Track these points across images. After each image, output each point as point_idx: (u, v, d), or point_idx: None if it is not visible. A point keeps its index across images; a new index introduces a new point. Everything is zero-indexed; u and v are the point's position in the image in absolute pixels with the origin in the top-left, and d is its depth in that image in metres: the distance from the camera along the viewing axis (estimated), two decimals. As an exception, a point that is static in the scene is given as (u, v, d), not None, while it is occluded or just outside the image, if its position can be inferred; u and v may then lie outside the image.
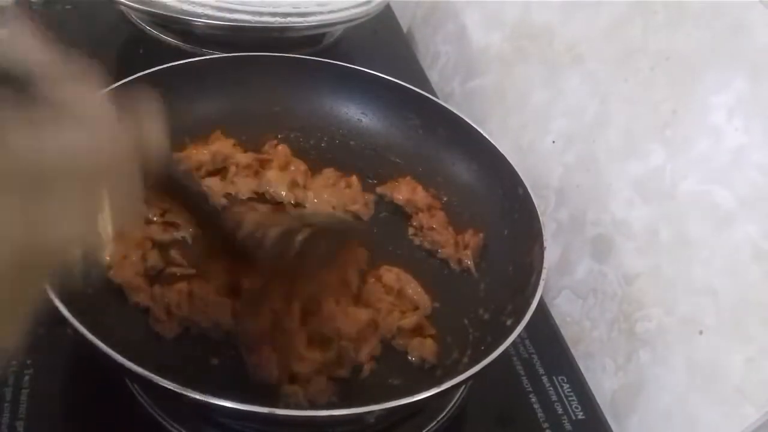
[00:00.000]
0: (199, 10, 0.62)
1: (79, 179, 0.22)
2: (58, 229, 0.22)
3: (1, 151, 0.20)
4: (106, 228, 0.24)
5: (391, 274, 0.48)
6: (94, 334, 0.35)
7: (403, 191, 0.55)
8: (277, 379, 0.41)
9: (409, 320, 0.46)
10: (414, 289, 0.48)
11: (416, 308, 0.47)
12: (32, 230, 0.21)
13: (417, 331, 0.46)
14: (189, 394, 0.33)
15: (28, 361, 0.43)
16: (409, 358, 0.45)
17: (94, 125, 0.23)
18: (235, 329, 0.43)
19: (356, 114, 0.60)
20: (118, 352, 0.34)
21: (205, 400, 0.34)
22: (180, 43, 0.68)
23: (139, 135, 0.25)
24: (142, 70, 0.52)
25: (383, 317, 0.46)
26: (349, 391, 0.42)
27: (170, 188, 0.35)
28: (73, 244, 0.23)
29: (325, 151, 0.58)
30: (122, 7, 0.68)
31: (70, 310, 0.35)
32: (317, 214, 0.52)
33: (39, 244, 0.21)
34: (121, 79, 0.50)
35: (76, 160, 0.22)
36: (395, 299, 0.47)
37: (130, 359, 0.34)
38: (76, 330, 0.35)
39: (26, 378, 0.42)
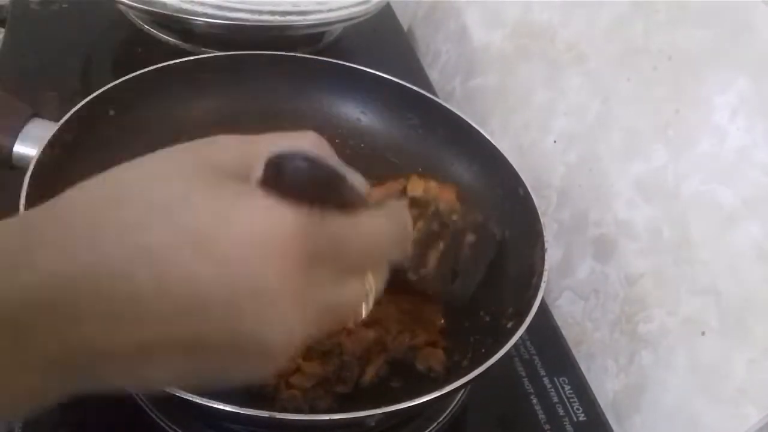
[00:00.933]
0: (198, 8, 0.61)
1: (374, 260, 0.27)
2: (352, 297, 0.26)
3: (326, 232, 0.24)
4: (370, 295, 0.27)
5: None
6: None
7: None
8: (275, 386, 0.40)
9: (421, 339, 0.45)
10: (429, 308, 0.46)
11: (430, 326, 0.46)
12: (337, 294, 0.25)
13: (428, 344, 0.45)
14: (189, 397, 0.33)
15: None
16: (417, 367, 0.44)
17: (389, 213, 0.27)
18: None
19: (355, 113, 0.59)
20: None
21: (206, 403, 0.33)
22: (179, 42, 0.68)
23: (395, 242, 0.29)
24: (141, 70, 0.51)
25: (393, 338, 0.44)
26: (349, 394, 0.42)
27: None
28: (356, 311, 0.27)
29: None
30: (121, 6, 0.68)
31: None
32: None
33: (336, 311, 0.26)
34: (119, 78, 0.50)
35: (380, 244, 0.27)
36: (409, 320, 0.46)
37: None
38: None
39: None
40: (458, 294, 0.46)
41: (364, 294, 0.27)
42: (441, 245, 0.44)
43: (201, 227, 0.22)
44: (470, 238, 0.45)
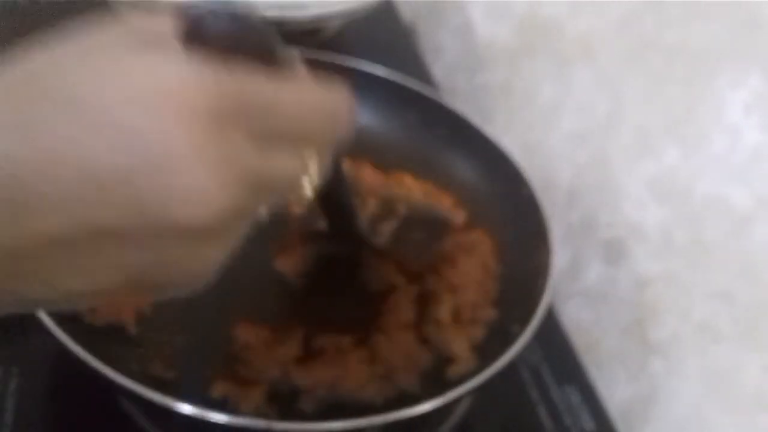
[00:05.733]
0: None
1: (306, 132, 0.25)
2: (286, 168, 0.24)
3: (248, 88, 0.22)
4: (312, 177, 0.26)
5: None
6: (81, 346, 0.34)
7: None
8: None
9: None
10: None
11: None
12: (262, 164, 0.22)
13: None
14: (181, 407, 0.33)
15: (14, 369, 0.42)
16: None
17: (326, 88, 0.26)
18: None
19: (353, 112, 0.58)
20: (104, 364, 0.33)
21: (199, 413, 0.33)
22: (175, 37, 0.67)
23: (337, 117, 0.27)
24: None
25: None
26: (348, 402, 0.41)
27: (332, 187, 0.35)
28: (293, 185, 0.25)
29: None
30: (114, 4, 0.67)
31: (53, 320, 0.35)
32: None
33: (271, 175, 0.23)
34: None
35: (311, 113, 0.24)
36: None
37: (117, 370, 0.33)
38: (62, 343, 0.34)
39: (12, 385, 0.42)
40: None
41: (300, 167, 0.24)
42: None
43: (82, 93, 0.20)
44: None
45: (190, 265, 0.22)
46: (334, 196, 0.38)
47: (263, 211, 0.24)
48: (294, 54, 0.25)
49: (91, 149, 0.19)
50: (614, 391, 0.52)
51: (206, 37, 0.22)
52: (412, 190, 0.53)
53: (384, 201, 0.51)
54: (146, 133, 0.19)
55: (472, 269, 0.48)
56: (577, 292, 0.57)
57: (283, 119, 0.23)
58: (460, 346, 0.43)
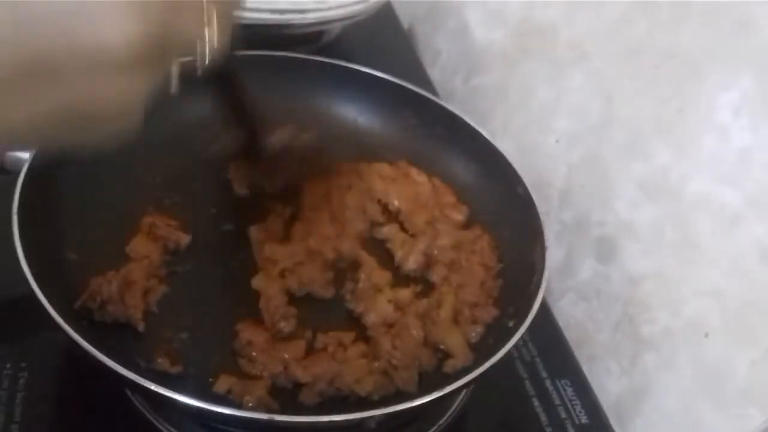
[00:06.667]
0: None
1: None
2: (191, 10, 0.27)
3: None
4: (211, 38, 0.29)
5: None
6: (89, 342, 0.34)
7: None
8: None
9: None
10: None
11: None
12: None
13: None
14: (186, 401, 0.33)
15: (23, 364, 0.43)
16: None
17: None
18: None
19: (352, 113, 0.59)
20: (113, 359, 0.33)
21: (204, 407, 0.33)
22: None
23: None
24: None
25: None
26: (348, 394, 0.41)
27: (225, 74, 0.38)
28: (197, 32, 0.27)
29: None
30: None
31: (63, 317, 0.35)
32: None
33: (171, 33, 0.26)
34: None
35: None
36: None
37: (125, 366, 0.33)
38: (71, 339, 0.34)
39: (21, 381, 0.42)
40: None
41: (203, 15, 0.27)
42: None
43: None
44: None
45: (115, 95, 0.24)
46: (228, 82, 0.41)
47: (175, 63, 0.27)
48: None
49: None
50: (607, 385, 0.52)
51: None
52: (418, 182, 0.54)
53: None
54: None
55: (474, 268, 0.48)
56: (570, 288, 0.58)
57: None
58: (456, 342, 0.44)
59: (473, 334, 0.45)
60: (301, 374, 0.40)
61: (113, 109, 0.24)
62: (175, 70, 0.28)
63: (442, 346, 0.44)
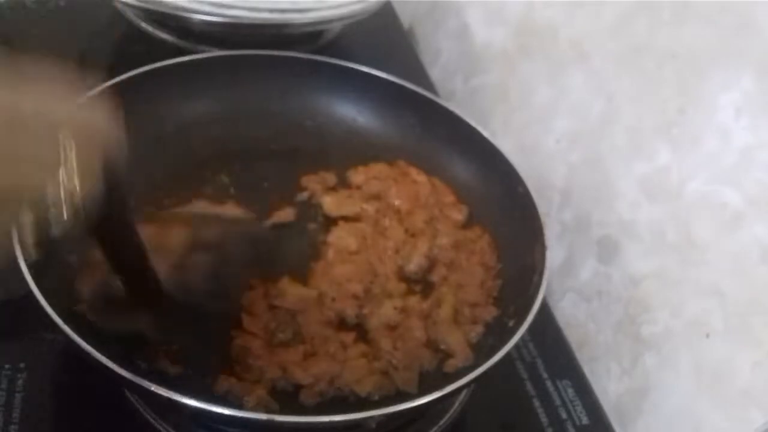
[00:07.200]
0: (196, 6, 0.61)
1: (49, 127, 0.24)
2: (27, 166, 0.23)
3: None
4: (69, 182, 0.24)
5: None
6: (87, 341, 0.34)
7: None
8: None
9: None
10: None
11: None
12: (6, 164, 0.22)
13: None
14: (186, 401, 0.33)
15: (22, 365, 0.43)
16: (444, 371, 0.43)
17: (68, 93, 0.25)
18: None
19: (351, 113, 0.59)
20: (112, 360, 0.33)
21: (204, 407, 0.33)
22: (176, 40, 0.67)
23: (102, 125, 0.26)
24: (137, 68, 0.51)
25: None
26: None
27: (108, 216, 0.30)
28: (39, 184, 0.23)
29: (318, 150, 0.57)
30: (118, 4, 0.67)
31: (62, 318, 0.35)
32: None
33: (12, 176, 0.22)
34: (116, 77, 0.49)
35: (50, 112, 0.23)
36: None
37: (124, 366, 0.33)
38: (70, 339, 0.34)
39: (20, 381, 0.42)
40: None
41: (50, 159, 0.23)
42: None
43: None
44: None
45: None
46: (112, 230, 0.33)
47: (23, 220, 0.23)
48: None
49: None
50: (607, 386, 0.52)
51: None
52: (418, 182, 0.54)
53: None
54: None
55: (474, 268, 0.48)
56: (571, 289, 0.58)
57: (30, 104, 0.23)
58: (457, 341, 0.44)
59: (473, 334, 0.45)
60: (301, 376, 0.40)
61: None
62: (28, 223, 0.23)
63: (442, 346, 0.44)
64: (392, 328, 0.44)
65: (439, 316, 0.45)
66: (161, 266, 0.37)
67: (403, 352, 0.42)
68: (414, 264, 0.48)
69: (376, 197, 0.53)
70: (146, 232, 0.36)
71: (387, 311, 0.45)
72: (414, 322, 0.44)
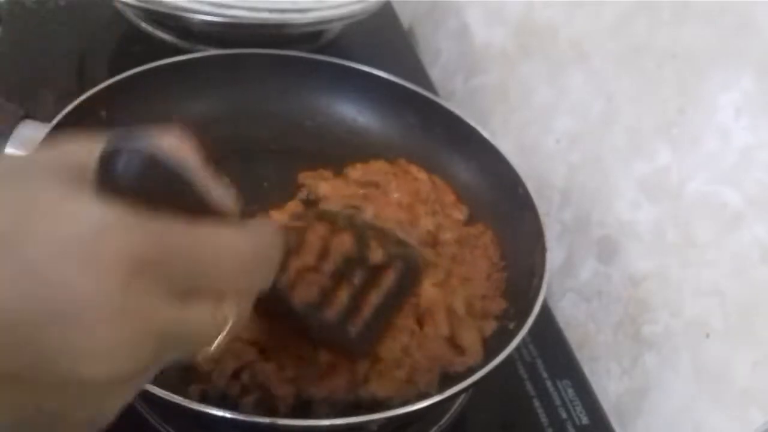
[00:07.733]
0: (196, 6, 0.61)
1: (228, 282, 0.23)
2: (200, 323, 0.23)
3: (158, 241, 0.20)
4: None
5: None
6: None
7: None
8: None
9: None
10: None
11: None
12: (176, 318, 0.22)
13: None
14: (188, 405, 0.33)
15: None
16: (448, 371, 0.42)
17: (252, 231, 0.24)
18: None
19: (351, 113, 0.59)
20: None
21: (205, 410, 0.33)
22: (175, 40, 0.67)
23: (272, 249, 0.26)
24: (137, 68, 0.51)
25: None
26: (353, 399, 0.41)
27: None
28: (203, 339, 0.23)
29: (318, 150, 0.57)
30: (118, 4, 0.67)
31: None
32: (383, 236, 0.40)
33: (179, 332, 0.22)
34: (116, 77, 0.49)
35: (234, 262, 0.23)
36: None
37: None
38: None
39: None
40: (356, 346, 0.38)
41: (215, 323, 0.23)
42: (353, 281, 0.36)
43: None
44: (390, 277, 0.37)
45: (87, 414, 0.21)
46: (276, 308, 0.34)
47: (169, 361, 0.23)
48: (224, 190, 0.23)
49: (2, 293, 0.18)
50: (607, 386, 0.52)
51: (119, 178, 0.21)
52: (418, 179, 0.53)
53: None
54: (60, 282, 0.19)
55: (479, 261, 0.47)
56: (571, 289, 0.58)
57: (202, 269, 0.22)
58: (472, 338, 0.43)
59: (487, 329, 0.44)
60: (315, 391, 0.38)
61: (86, 416, 0.21)
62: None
63: (459, 342, 0.43)
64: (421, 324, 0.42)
65: (460, 309, 0.44)
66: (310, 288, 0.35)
67: (423, 353, 0.41)
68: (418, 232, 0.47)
69: (375, 185, 0.52)
70: (313, 234, 0.36)
71: (428, 291, 0.43)
72: (440, 315, 0.43)
